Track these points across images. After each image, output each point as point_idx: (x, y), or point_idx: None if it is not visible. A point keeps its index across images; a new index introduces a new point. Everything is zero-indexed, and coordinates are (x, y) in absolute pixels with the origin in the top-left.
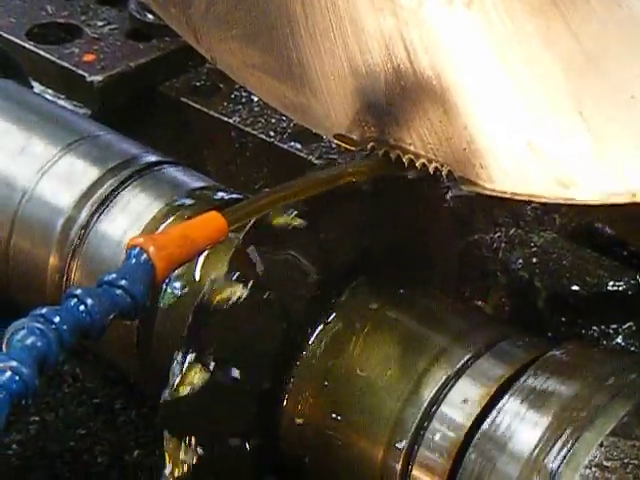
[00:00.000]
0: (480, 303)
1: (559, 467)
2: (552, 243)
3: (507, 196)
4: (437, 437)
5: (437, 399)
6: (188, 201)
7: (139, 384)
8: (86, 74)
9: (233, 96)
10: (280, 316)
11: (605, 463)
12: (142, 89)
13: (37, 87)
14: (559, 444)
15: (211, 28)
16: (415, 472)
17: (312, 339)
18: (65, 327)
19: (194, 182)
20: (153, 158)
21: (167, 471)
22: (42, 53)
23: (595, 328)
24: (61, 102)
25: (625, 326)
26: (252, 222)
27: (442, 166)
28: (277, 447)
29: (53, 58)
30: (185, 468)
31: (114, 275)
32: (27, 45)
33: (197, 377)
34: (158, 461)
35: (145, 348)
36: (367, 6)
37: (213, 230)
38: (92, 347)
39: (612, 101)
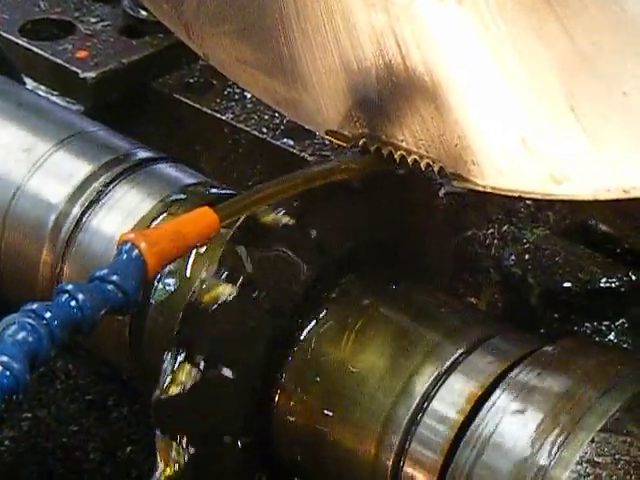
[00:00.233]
0: (473, 299)
1: (550, 463)
2: (545, 240)
3: (500, 193)
4: (429, 433)
5: (429, 395)
6: (181, 197)
7: (131, 380)
8: (79, 70)
9: (226, 93)
10: (270, 314)
11: (596, 459)
12: (135, 85)
13: (30, 83)
14: (550, 440)
15: (203, 24)
16: (407, 468)
17: (304, 335)
18: (56, 322)
19: (187, 178)
20: (146, 154)
21: (158, 472)
22: (35, 49)
23: (588, 324)
24: (54, 98)
25: (618, 323)
26: (240, 221)
27: (434, 162)
28: (269, 444)
29: (46, 54)
30: (176, 467)
31: (105, 271)
32: (20, 41)
33: (187, 377)
34: (150, 457)
35: (137, 344)
36: (359, 2)
37: (205, 226)
38: (84, 343)
39: (605, 98)
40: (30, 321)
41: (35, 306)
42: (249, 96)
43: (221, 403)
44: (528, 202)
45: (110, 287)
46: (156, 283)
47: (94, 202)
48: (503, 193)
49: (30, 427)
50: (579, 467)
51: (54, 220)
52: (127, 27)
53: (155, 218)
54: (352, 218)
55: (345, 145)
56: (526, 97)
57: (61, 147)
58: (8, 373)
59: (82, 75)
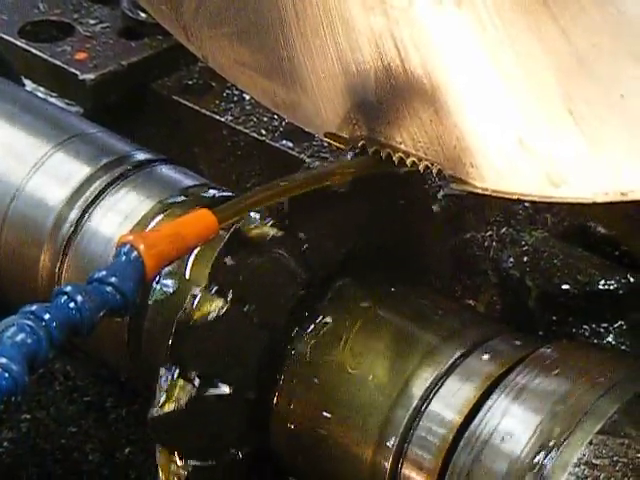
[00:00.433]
0: (471, 301)
1: (548, 465)
2: (543, 242)
3: (498, 195)
4: (427, 435)
5: (427, 397)
6: (179, 199)
7: (130, 381)
8: (78, 72)
9: (225, 94)
10: (262, 327)
11: (594, 461)
12: (134, 87)
13: (29, 85)
14: (549, 442)
15: (202, 26)
16: (405, 470)
17: (301, 339)
18: (55, 324)
19: (185, 180)
20: (145, 156)
21: None
22: (34, 51)
23: (586, 327)
24: (53, 100)
25: (616, 325)
26: (229, 235)
27: (432, 165)
28: (269, 448)
29: (45, 56)
30: None
31: (104, 272)
32: (19, 43)
33: (182, 393)
34: (149, 459)
35: (135, 345)
36: (358, 5)
37: (204, 228)
38: (83, 345)
39: (602, 100)
40: (29, 323)
41: (34, 308)
42: (248, 98)
43: (217, 417)
44: (526, 204)
45: (109, 289)
46: (155, 284)
47: (93, 204)
48: (501, 195)
49: (29, 428)
50: (577, 469)
51: (53, 222)
52: (126, 29)
53: (153, 220)
54: (345, 222)
55: (344, 147)
56: (524, 99)
57: (60, 149)
58: (7, 375)
59: (81, 77)
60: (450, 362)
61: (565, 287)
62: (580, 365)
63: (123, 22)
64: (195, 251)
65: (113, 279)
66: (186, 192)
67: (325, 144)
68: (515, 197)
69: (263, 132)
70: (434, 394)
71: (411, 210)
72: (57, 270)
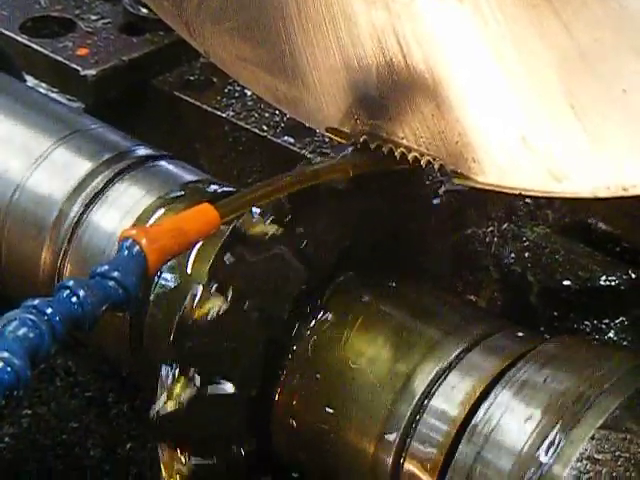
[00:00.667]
0: (473, 297)
1: (551, 460)
2: (545, 238)
3: (500, 190)
4: (429, 430)
5: (429, 392)
6: (180, 194)
7: (131, 377)
8: (80, 68)
9: (226, 90)
10: (263, 324)
11: (596, 456)
12: (135, 83)
13: (31, 81)
14: (550, 437)
15: (204, 21)
16: (407, 465)
17: (303, 334)
18: (57, 318)
19: (187, 175)
20: (146, 152)
21: None
22: (36, 47)
23: (587, 323)
24: (54, 96)
25: (617, 321)
26: (228, 232)
27: (434, 160)
28: (270, 443)
29: (47, 52)
30: (180, 478)
31: (106, 267)
32: (21, 38)
33: (183, 391)
34: (150, 454)
35: (137, 340)
36: (360, 0)
37: (205, 222)
38: (84, 340)
39: (604, 95)
40: (31, 317)
41: (36, 302)
42: (249, 94)
43: (219, 414)
44: (528, 200)
45: (111, 283)
46: (157, 279)
47: (94, 199)
48: (503, 191)
49: (30, 424)
50: (579, 464)
51: (55, 217)
52: (127, 25)
53: (155, 215)
54: (345, 218)
55: (345, 142)
56: (526, 95)
57: (62, 144)
58: (9, 369)
59: (82, 72)
60: (452, 357)
61: (566, 283)
62: (582, 360)
63: (124, 18)
64: (197, 246)
65: (115, 273)
66: (187, 187)
67: (327, 140)
68: (517, 192)
69: (264, 128)
70: (436, 389)
71: (412, 206)
72: (59, 265)
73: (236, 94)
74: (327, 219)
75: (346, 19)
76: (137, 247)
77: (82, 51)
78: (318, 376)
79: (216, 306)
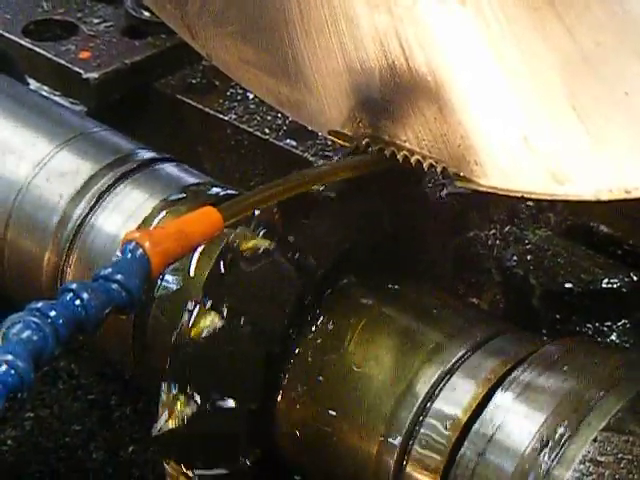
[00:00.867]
0: (475, 300)
1: (553, 462)
2: (547, 240)
3: (502, 193)
4: (432, 433)
5: (432, 395)
6: (183, 197)
7: (134, 380)
8: (82, 71)
9: (229, 93)
10: (260, 334)
11: (599, 458)
12: (138, 86)
13: (33, 84)
14: (553, 439)
15: (206, 25)
16: (409, 468)
17: (305, 339)
18: (61, 321)
19: (189, 178)
20: (149, 155)
21: None
22: (38, 50)
23: (589, 325)
24: (57, 99)
25: (619, 323)
26: (221, 249)
27: (437, 163)
28: (275, 448)
29: (49, 55)
30: None
31: (110, 269)
32: (23, 42)
33: (184, 408)
34: (153, 457)
35: (140, 342)
36: (362, 3)
37: (208, 225)
38: (87, 342)
39: (607, 98)
40: (35, 320)
41: (40, 305)
42: (252, 97)
43: (221, 429)
44: (530, 203)
45: (114, 286)
46: (159, 281)
47: (97, 202)
48: (506, 193)
49: (32, 427)
50: (582, 466)
51: (57, 220)
52: (130, 28)
53: (158, 217)
54: (343, 222)
55: (348, 146)
56: (528, 97)
57: (64, 147)
58: (13, 372)
59: (85, 76)
60: (455, 360)
61: (568, 286)
62: (584, 363)
63: (127, 21)
64: (199, 249)
65: (119, 276)
66: (190, 190)
67: (329, 142)
68: (519, 195)
69: (267, 131)
70: (439, 392)
71: (413, 207)
72: (61, 268)
73: (238, 97)
74: (326, 222)
75: (349, 22)
76: (140, 250)
77: (84, 54)
78: (321, 379)
79: (212, 323)
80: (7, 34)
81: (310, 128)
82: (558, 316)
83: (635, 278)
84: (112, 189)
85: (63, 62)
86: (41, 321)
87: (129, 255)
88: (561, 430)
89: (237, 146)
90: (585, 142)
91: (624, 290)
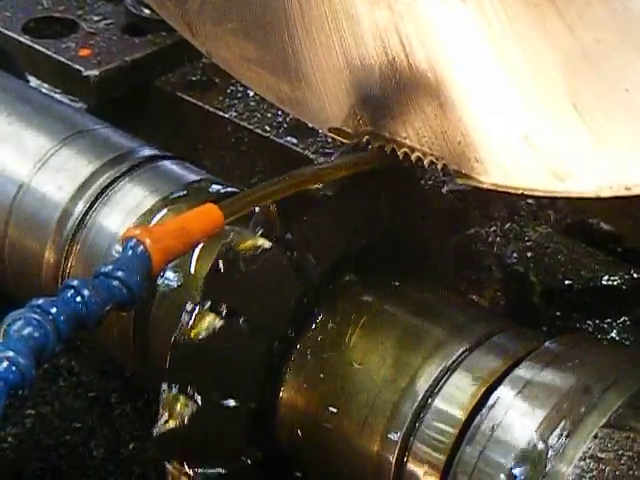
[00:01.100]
0: (475, 297)
1: (554, 459)
2: (547, 238)
3: (502, 190)
4: (432, 430)
5: (433, 392)
6: (184, 194)
7: (135, 377)
8: (82, 68)
9: (229, 91)
10: (260, 334)
11: (599, 454)
12: (138, 83)
13: (33, 81)
14: (554, 436)
15: (207, 22)
16: (410, 464)
17: (306, 336)
18: (62, 318)
19: (190, 175)
20: (149, 152)
21: None
22: (38, 47)
23: (589, 322)
24: (57, 96)
25: (619, 320)
26: (219, 250)
27: (437, 160)
28: (276, 445)
29: (49, 52)
30: None
31: (110, 266)
32: (23, 39)
33: (184, 409)
34: (153, 454)
35: (140, 339)
36: (362, 0)
37: (209, 222)
38: (88, 339)
39: (608, 95)
40: (36, 316)
41: (41, 301)
42: (252, 94)
43: (222, 428)
44: (530, 200)
45: (115, 283)
46: (160, 279)
47: (98, 199)
48: (506, 190)
49: (33, 424)
50: (582, 463)
51: (58, 217)
52: (130, 25)
53: (158, 215)
54: (345, 218)
55: (348, 142)
56: (529, 94)
57: (65, 145)
58: (14, 368)
59: (85, 73)
60: (455, 357)
61: (569, 283)
62: (585, 359)
63: (127, 18)
64: (200, 246)
65: (120, 273)
66: (191, 187)
67: (330, 140)
68: (520, 192)
69: (267, 128)
70: (439, 389)
71: (413, 206)
72: (62, 265)
73: (239, 94)
74: (326, 221)
75: (349, 19)
76: (141, 247)
77: (85, 52)
78: (322, 376)
79: (211, 324)
80: (7, 31)
81: (310, 125)
82: (558, 313)
83: (635, 275)
84: (113, 186)
85: (63, 59)
86: (42, 318)
87: (130, 252)
88: (561, 427)
89: (237, 143)
90: (586, 139)
91: (624, 287)
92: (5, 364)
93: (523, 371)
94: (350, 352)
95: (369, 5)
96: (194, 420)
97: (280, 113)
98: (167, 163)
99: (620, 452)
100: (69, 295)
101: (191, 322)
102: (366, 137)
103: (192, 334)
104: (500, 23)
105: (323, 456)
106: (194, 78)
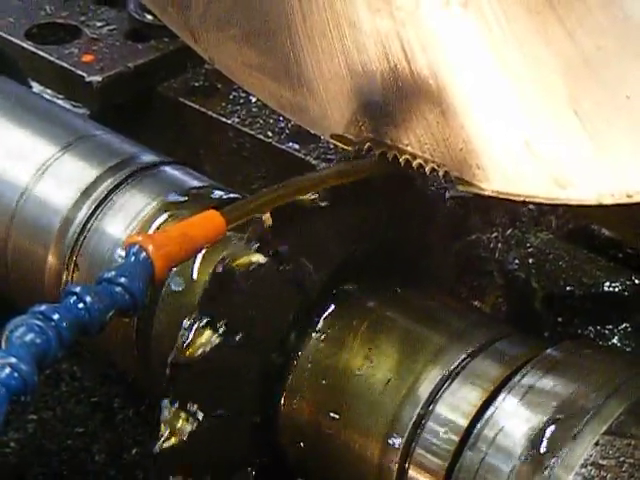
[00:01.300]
0: (477, 303)
1: (555, 466)
2: (549, 244)
3: (504, 197)
4: (434, 436)
5: (434, 398)
6: (186, 200)
7: (137, 382)
8: (85, 74)
9: (231, 97)
10: (258, 347)
11: (601, 462)
12: (141, 89)
13: (36, 87)
14: (555, 443)
15: (209, 28)
16: (412, 471)
17: (308, 343)
18: (64, 324)
19: (192, 181)
20: (151, 158)
21: None
22: (41, 53)
23: (591, 328)
24: (60, 102)
25: (621, 327)
26: (215, 266)
27: (439, 166)
28: (278, 450)
29: (52, 58)
30: None
31: (113, 273)
32: (26, 45)
33: (184, 425)
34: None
35: (143, 345)
36: (364, 7)
37: (211, 229)
38: (90, 344)
39: (609, 102)
40: (38, 323)
41: (43, 308)
42: (254, 100)
43: (223, 442)
44: (531, 207)
45: (118, 289)
46: (163, 285)
47: (100, 205)
48: (507, 197)
49: (35, 429)
50: (583, 470)
51: (60, 223)
52: (133, 31)
53: (161, 221)
54: (345, 226)
55: (350, 149)
56: (530, 101)
57: (67, 151)
58: (16, 374)
59: (88, 79)
60: (457, 363)
61: (570, 289)
62: (586, 366)
63: (130, 24)
64: (202, 252)
65: (122, 279)
66: (193, 193)
67: (331, 146)
68: (521, 199)
69: (269, 134)
70: (441, 395)
71: (414, 213)
72: (64, 271)
73: (241, 100)
74: (324, 230)
75: (351, 26)
76: (144, 253)
77: (87, 57)
78: (323, 382)
79: (208, 341)
80: (10, 37)
81: (312, 131)
82: (560, 319)
83: (637, 281)
84: (115, 192)
85: (66, 65)
86: (44, 324)
87: (132, 258)
88: (563, 434)
89: (239, 149)
90: (587, 146)
91: (626, 293)
92: (7, 370)
93: (524, 377)
94: (351, 359)
95: (371, 12)
96: (194, 436)
97: (282, 119)
98: (169, 169)
99: (621, 459)
100: (71, 301)
101: (189, 340)
102: (368, 144)
103: (190, 351)
104: (501, 30)
105: (325, 462)
106: (196, 84)
